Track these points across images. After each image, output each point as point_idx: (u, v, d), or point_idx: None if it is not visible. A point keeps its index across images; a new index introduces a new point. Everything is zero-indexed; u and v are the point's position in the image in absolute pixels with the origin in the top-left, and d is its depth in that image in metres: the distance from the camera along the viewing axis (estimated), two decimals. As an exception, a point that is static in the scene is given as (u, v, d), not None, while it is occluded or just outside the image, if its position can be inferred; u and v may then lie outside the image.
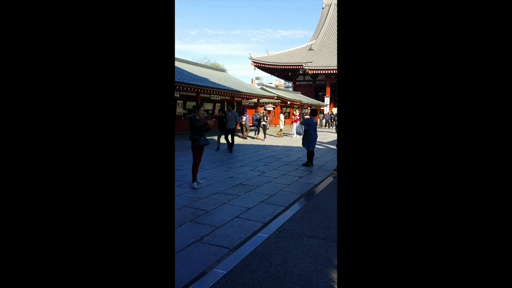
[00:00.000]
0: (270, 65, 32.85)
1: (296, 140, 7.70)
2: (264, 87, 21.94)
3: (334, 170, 6.46)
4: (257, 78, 61.97)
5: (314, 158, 7.64)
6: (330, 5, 39.77)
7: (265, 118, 13.72)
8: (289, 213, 3.90)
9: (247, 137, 13.46)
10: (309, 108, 23.52)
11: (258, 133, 13.90)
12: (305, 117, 10.16)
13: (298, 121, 14.24)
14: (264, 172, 6.54)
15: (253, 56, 33.52)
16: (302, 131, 7.54)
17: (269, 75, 38.62)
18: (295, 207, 4.18)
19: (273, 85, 33.40)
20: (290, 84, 36.89)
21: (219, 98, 17.06)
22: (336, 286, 2.27)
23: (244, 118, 13.17)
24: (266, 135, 13.76)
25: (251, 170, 6.75)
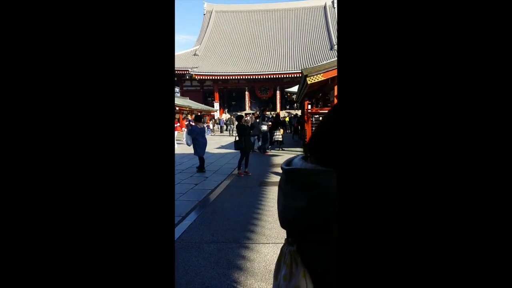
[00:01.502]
0: (154, 70, 31.36)
1: (189, 147, 7.62)
2: (149, 93, 20.76)
3: (239, 173, 6.68)
4: (141, 84, 58.37)
5: (208, 163, 7.69)
6: (211, 12, 40.79)
7: None
8: (187, 222, 3.81)
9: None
10: (192, 114, 23.53)
11: None
12: (191, 123, 10.17)
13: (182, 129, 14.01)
14: (157, 183, 6.19)
15: (135, 60, 31.37)
16: (190, 141, 7.48)
17: (154, 80, 36.83)
18: (193, 215, 4.12)
19: (159, 91, 31.82)
20: (178, 89, 36.20)
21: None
22: (238, 286, 2.34)
23: None
24: None
25: (142, 182, 6.29)
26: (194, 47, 35.62)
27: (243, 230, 3.55)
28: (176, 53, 34.37)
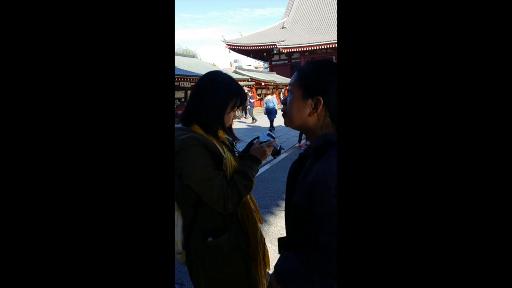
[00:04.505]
0: (243, 46, 32.56)
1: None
2: (237, 70, 21.90)
3: (299, 146, 6.86)
4: (236, 61, 61.15)
5: (278, 136, 7.92)
6: (300, -20, 39.16)
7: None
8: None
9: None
10: (277, 89, 23.67)
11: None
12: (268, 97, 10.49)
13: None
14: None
15: (227, 39, 33.07)
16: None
17: (246, 57, 38.35)
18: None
19: (252, 67, 33.00)
20: (267, 64, 36.79)
21: (190, 85, 17.08)
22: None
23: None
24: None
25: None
26: (282, 20, 35.23)
27: (276, 199, 3.75)
28: (263, 29, 34.70)
